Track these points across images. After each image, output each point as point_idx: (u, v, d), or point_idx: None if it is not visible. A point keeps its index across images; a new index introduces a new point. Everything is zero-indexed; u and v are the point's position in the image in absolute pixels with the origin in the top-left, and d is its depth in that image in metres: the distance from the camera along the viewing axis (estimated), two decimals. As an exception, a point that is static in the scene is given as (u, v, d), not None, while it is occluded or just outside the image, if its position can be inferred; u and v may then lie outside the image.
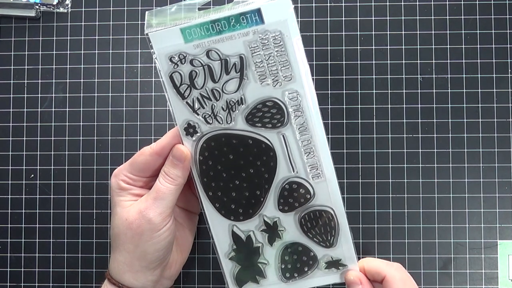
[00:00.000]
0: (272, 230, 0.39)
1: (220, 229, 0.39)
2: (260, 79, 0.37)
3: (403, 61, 0.46)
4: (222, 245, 0.39)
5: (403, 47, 0.46)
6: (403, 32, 0.46)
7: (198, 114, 0.37)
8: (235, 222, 0.39)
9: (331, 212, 0.38)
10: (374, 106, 0.46)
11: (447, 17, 0.46)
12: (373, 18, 0.46)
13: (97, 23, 0.47)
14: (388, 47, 0.46)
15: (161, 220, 0.36)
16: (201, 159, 0.38)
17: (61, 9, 0.47)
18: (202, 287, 0.45)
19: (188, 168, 0.38)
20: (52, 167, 0.46)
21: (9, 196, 0.46)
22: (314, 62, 0.46)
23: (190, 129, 0.38)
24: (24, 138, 0.47)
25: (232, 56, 0.36)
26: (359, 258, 0.39)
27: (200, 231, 0.45)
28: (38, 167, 0.46)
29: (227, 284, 0.40)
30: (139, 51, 0.47)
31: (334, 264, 0.39)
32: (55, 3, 0.47)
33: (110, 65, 0.47)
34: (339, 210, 0.38)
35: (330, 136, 0.45)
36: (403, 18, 0.46)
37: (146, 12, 0.37)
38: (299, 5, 0.46)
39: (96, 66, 0.47)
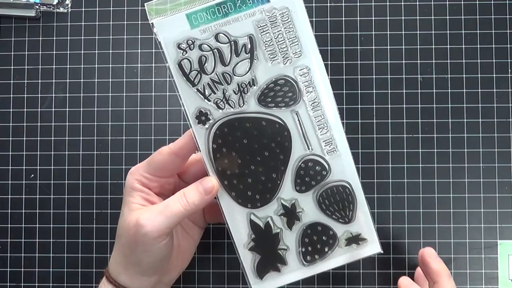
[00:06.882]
0: (290, 213, 0.38)
1: (238, 219, 0.38)
2: (271, 58, 0.36)
3: (403, 61, 0.46)
4: (240, 236, 0.38)
5: (403, 47, 0.46)
6: (403, 32, 0.46)
7: (209, 100, 0.37)
8: (252, 209, 0.38)
9: (348, 187, 0.37)
10: (374, 106, 0.46)
11: (447, 17, 0.46)
12: (373, 18, 0.46)
13: (97, 23, 0.47)
14: (388, 47, 0.46)
15: (157, 236, 0.35)
16: (215, 147, 0.37)
17: (61, 9, 0.47)
18: (202, 287, 0.45)
19: (208, 202, 0.36)
20: (52, 167, 0.46)
21: (9, 196, 0.46)
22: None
23: (202, 117, 0.37)
24: (24, 138, 0.47)
25: (241, 37, 0.36)
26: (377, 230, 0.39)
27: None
28: (38, 167, 0.46)
29: (247, 278, 0.38)
30: (139, 51, 0.47)
31: (355, 239, 0.38)
32: (55, 3, 0.47)
33: (110, 65, 0.47)
34: (355, 184, 0.37)
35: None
36: (403, 18, 0.46)
37: (146, 4, 0.36)
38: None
39: (96, 66, 0.47)
